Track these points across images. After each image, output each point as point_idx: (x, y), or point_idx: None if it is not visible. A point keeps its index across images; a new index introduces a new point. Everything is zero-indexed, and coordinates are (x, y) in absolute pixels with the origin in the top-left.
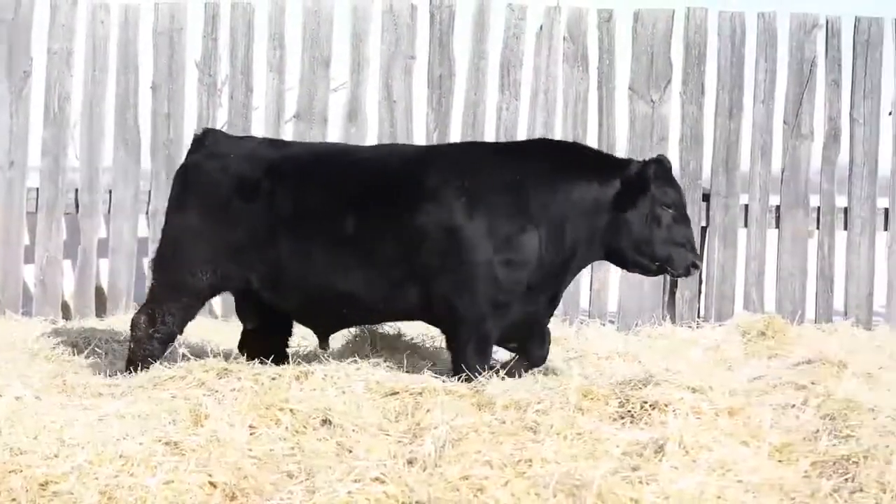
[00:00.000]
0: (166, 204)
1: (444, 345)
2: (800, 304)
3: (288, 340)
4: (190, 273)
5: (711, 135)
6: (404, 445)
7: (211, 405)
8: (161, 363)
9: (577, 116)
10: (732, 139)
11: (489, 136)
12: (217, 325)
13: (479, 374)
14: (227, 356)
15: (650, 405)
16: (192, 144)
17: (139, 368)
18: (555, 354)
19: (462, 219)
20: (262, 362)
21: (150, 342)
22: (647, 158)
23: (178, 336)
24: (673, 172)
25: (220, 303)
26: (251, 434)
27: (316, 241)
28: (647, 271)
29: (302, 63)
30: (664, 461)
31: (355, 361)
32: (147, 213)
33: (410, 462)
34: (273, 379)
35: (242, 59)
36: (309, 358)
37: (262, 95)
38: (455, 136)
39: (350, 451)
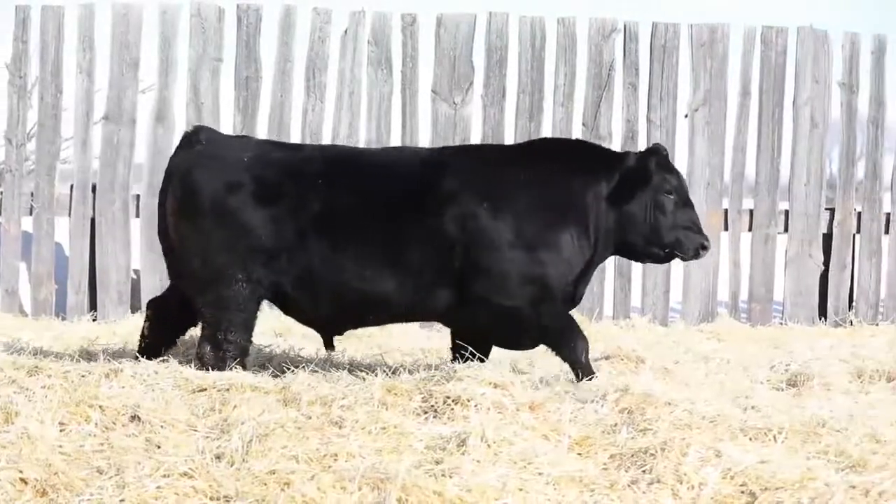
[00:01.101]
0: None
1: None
2: (598, 300)
3: (181, 335)
4: (229, 285)
5: (512, 136)
6: (212, 441)
7: (21, 402)
8: None
9: (380, 118)
10: None
11: (295, 138)
12: (27, 322)
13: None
14: (37, 354)
15: (453, 400)
16: (181, 142)
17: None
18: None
19: (499, 225)
20: (148, 356)
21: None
22: (643, 150)
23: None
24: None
25: (30, 301)
26: (61, 431)
27: (341, 244)
28: (657, 259)
29: (111, 65)
30: (467, 455)
31: (165, 360)
32: None
33: (218, 457)
34: (83, 376)
35: (52, 61)
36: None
37: (72, 97)
38: (261, 137)
39: (159, 447)
